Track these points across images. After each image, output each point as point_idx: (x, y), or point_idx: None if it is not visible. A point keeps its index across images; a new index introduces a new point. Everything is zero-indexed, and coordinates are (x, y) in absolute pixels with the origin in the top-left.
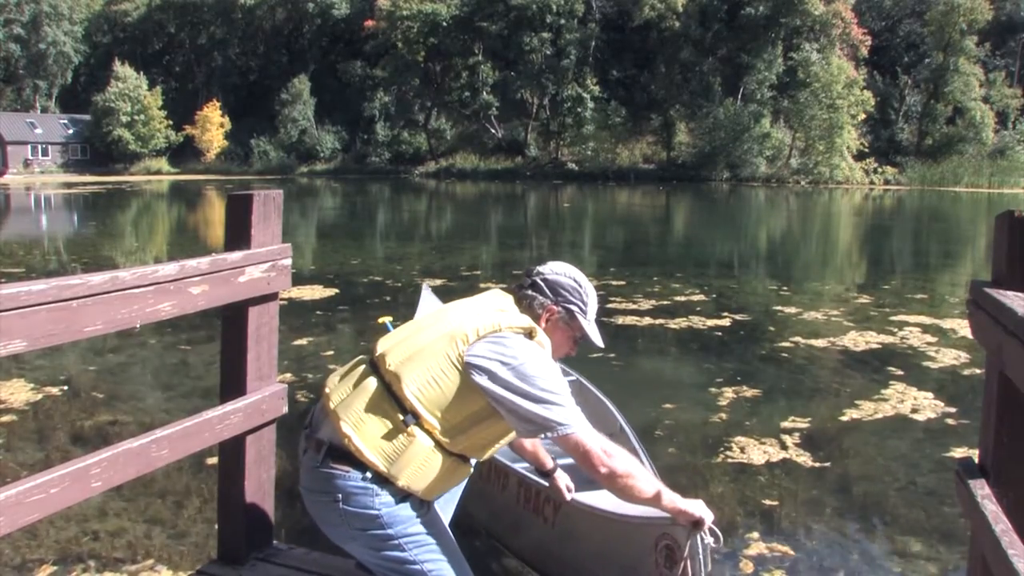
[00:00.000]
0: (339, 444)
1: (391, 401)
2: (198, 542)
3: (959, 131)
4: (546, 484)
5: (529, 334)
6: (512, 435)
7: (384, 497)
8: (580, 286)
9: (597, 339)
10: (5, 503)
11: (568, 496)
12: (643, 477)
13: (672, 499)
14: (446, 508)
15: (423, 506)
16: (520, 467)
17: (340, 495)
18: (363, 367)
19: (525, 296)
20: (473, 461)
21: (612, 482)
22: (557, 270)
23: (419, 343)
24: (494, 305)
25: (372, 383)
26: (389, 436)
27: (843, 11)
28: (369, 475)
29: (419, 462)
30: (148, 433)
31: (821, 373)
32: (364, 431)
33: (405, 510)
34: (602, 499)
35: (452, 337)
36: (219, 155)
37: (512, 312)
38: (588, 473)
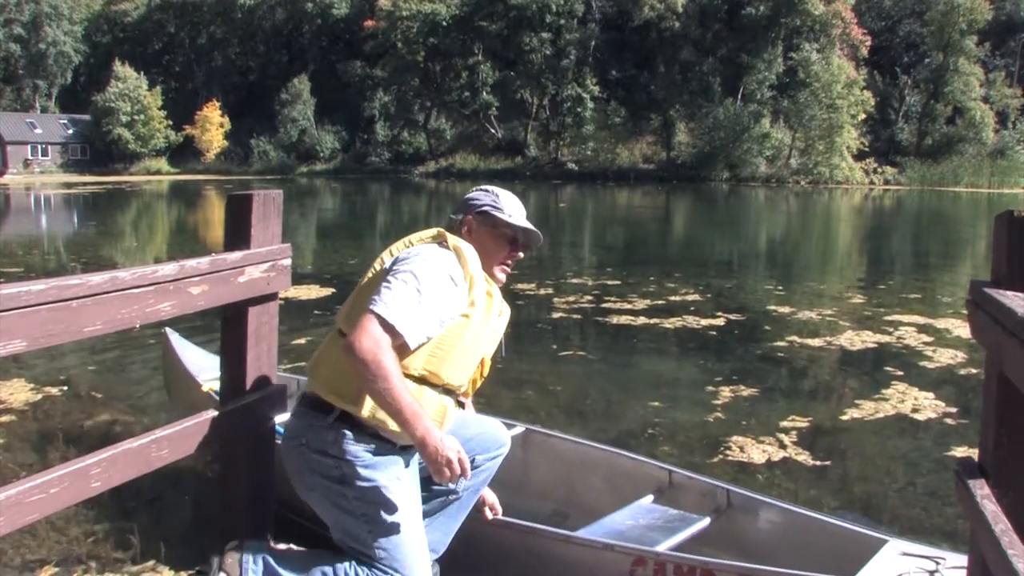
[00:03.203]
0: (308, 392)
1: (342, 339)
2: (198, 542)
3: (959, 131)
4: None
5: (439, 241)
6: (465, 341)
7: (345, 444)
8: (488, 191)
9: (524, 223)
10: (5, 503)
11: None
12: (399, 393)
13: (423, 429)
14: (447, 525)
15: (395, 461)
16: (664, 547)
17: (306, 439)
18: None
19: (451, 228)
20: (454, 391)
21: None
22: (465, 193)
23: (360, 285)
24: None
25: (332, 335)
26: (343, 369)
27: (843, 11)
28: (333, 417)
29: None
30: (148, 433)
31: (820, 373)
32: (321, 372)
33: (370, 470)
34: None
35: (382, 262)
36: (219, 155)
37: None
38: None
